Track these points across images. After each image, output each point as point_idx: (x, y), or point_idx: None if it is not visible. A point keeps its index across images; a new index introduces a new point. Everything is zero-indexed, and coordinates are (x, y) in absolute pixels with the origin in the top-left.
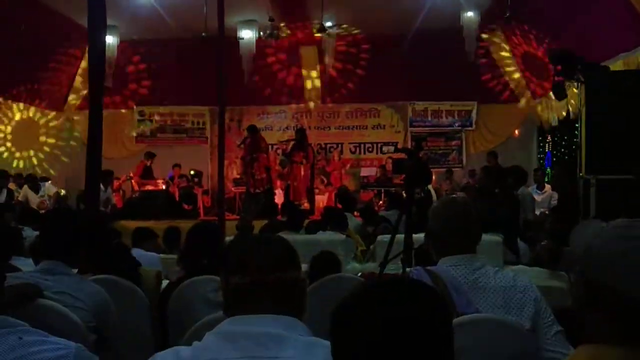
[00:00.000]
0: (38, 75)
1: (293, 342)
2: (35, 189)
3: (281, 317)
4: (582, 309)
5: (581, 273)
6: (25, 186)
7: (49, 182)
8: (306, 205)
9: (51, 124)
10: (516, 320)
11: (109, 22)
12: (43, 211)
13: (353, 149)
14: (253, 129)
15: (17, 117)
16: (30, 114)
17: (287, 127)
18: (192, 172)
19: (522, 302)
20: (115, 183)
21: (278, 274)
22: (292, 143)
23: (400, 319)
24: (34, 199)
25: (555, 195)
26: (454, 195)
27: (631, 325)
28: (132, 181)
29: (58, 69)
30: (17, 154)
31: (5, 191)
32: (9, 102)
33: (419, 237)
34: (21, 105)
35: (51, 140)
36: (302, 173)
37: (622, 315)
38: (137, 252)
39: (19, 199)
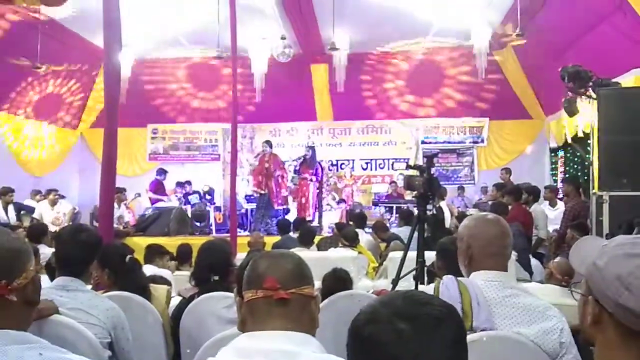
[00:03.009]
0: (53, 94)
1: (306, 359)
2: (54, 203)
3: (294, 334)
4: (592, 328)
5: (589, 292)
6: (43, 201)
7: (65, 199)
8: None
9: (66, 142)
10: (532, 342)
11: (123, 41)
12: (57, 227)
13: (364, 166)
14: (270, 144)
15: (35, 136)
16: (47, 132)
17: (298, 144)
18: (204, 189)
19: (547, 329)
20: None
21: (291, 289)
22: (301, 160)
23: (416, 330)
24: (48, 215)
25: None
26: (486, 213)
27: None
28: (140, 198)
29: (73, 87)
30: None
31: (11, 207)
32: (26, 119)
33: (431, 254)
34: (38, 123)
35: (65, 158)
36: (312, 190)
37: (634, 332)
38: (149, 269)
39: (34, 215)
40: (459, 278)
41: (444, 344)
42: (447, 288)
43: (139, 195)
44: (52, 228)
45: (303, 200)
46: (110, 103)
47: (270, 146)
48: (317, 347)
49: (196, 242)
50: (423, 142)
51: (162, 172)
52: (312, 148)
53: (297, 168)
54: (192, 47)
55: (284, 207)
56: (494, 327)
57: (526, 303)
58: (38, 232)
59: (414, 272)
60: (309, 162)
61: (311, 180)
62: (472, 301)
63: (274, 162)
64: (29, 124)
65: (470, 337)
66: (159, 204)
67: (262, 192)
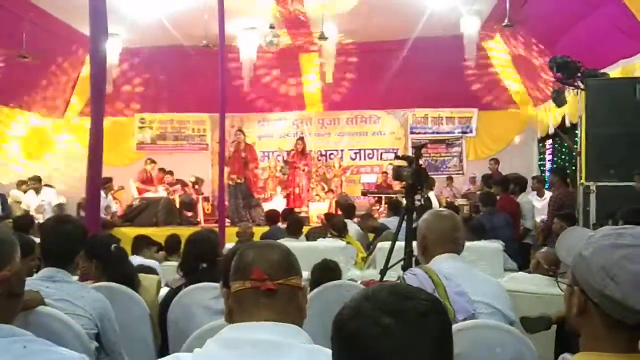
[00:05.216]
0: (39, 82)
1: (294, 350)
2: (38, 191)
3: (282, 325)
4: (578, 318)
5: (575, 282)
6: (30, 191)
7: (54, 189)
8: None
9: (52, 131)
10: (514, 329)
11: (111, 29)
12: (40, 215)
13: (353, 156)
14: (244, 132)
15: (21, 125)
16: (33, 122)
17: (287, 134)
18: (192, 179)
19: (504, 297)
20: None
21: (279, 280)
22: (292, 150)
23: (401, 325)
24: (34, 203)
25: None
26: (441, 209)
27: (628, 333)
28: (127, 188)
29: (59, 76)
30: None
31: None
32: (12, 109)
33: None
34: (24, 112)
35: (52, 147)
36: (304, 180)
37: (619, 323)
38: (137, 260)
39: (22, 206)
40: (421, 265)
41: (429, 338)
42: (412, 273)
43: (122, 188)
44: (37, 216)
45: (297, 190)
46: (96, 92)
47: (244, 135)
48: (305, 338)
49: (185, 232)
50: (412, 133)
51: (150, 162)
52: (302, 138)
53: (286, 159)
54: (180, 36)
55: (261, 196)
56: (465, 291)
57: (482, 277)
58: (25, 223)
59: (402, 263)
60: (300, 153)
61: (303, 170)
62: (438, 275)
63: (250, 152)
64: (14, 113)
65: (454, 326)
66: (147, 194)
67: (239, 181)
